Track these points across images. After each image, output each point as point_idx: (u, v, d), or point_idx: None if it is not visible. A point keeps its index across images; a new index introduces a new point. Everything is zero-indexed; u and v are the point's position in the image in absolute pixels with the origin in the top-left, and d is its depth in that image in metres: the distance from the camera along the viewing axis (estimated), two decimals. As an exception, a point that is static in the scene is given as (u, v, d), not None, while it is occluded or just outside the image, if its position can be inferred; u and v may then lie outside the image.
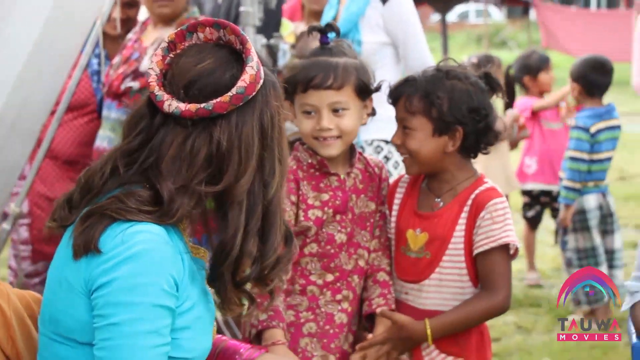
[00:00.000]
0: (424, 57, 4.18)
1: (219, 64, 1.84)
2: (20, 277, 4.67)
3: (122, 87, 3.88)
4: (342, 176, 2.64)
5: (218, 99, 1.78)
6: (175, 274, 1.76)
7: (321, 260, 2.62)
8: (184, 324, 1.81)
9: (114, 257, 1.72)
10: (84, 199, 1.82)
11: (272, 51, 3.99)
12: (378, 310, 2.63)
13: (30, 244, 4.33)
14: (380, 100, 4.21)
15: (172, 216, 1.77)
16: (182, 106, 1.79)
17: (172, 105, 1.80)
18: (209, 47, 1.88)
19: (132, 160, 1.83)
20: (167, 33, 3.84)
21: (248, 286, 1.98)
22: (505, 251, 2.52)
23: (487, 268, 2.52)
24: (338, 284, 2.64)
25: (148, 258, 1.72)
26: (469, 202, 2.55)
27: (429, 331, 2.53)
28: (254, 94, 1.82)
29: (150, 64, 1.88)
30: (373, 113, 2.70)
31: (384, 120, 4.27)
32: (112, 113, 3.92)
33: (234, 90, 1.79)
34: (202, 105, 1.78)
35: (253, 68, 1.82)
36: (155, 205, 1.78)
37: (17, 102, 3.01)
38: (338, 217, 2.61)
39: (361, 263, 2.68)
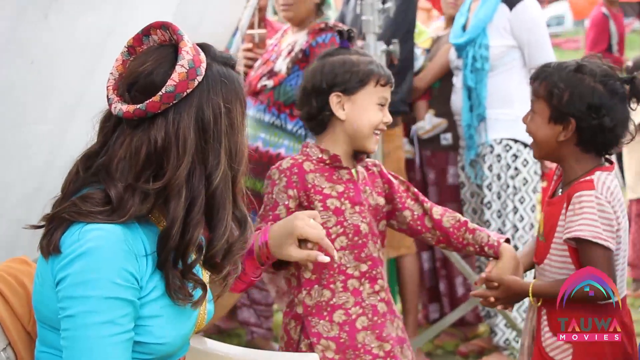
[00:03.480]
0: (548, 59, 4.33)
1: (158, 64, 1.87)
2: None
3: (259, 85, 4.17)
4: (352, 170, 2.76)
5: (151, 99, 1.82)
6: (132, 267, 1.82)
7: (352, 252, 2.72)
8: (152, 312, 1.87)
9: (69, 254, 1.80)
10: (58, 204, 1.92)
11: (392, 56, 4.23)
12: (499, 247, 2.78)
13: None
14: (509, 101, 4.46)
15: (123, 215, 1.83)
16: (124, 108, 1.84)
17: (117, 107, 1.85)
18: (154, 48, 1.91)
19: (91, 162, 1.91)
20: (300, 37, 4.28)
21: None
22: (596, 246, 2.55)
23: (582, 258, 2.60)
24: (374, 272, 2.76)
25: (98, 254, 1.78)
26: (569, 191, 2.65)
27: (530, 294, 2.67)
28: (189, 90, 1.84)
29: (112, 68, 1.93)
30: None
31: (512, 120, 4.50)
32: (250, 111, 4.21)
33: (163, 90, 1.81)
34: (138, 106, 1.82)
35: (184, 66, 1.82)
36: (108, 204, 1.84)
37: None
38: (357, 208, 2.72)
39: (379, 254, 2.80)
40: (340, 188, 2.72)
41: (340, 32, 2.85)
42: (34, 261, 2.16)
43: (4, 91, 2.43)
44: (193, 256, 1.94)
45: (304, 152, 2.77)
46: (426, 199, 2.89)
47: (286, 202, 2.68)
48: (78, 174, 1.91)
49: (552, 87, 2.65)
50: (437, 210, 2.86)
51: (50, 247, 1.84)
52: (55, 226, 1.85)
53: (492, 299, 2.75)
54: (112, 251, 1.80)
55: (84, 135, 1.98)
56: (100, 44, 2.69)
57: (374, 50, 4.07)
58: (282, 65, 4.11)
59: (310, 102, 2.73)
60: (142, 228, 1.90)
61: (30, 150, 2.67)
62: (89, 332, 1.77)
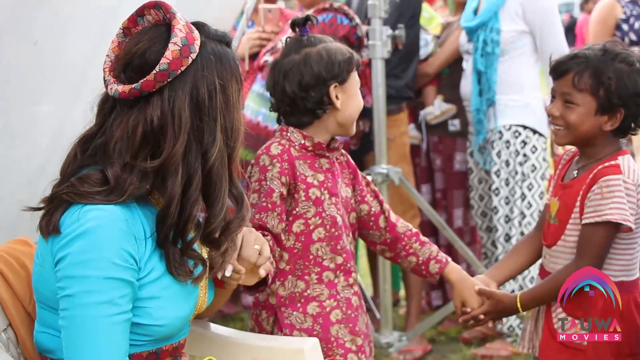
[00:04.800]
0: (560, 45, 4.32)
1: (152, 43, 1.87)
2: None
3: (262, 61, 4.20)
4: (332, 158, 2.71)
5: (145, 78, 1.82)
6: (131, 248, 1.83)
7: (329, 244, 2.65)
8: (151, 294, 1.88)
9: (68, 234, 1.80)
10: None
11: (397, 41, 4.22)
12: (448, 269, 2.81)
13: None
14: (519, 87, 4.43)
15: (122, 194, 1.83)
16: (120, 88, 1.84)
17: (112, 88, 1.85)
18: (148, 28, 1.91)
19: (88, 144, 1.92)
20: (305, 15, 4.28)
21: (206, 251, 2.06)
22: (608, 228, 2.58)
23: (583, 238, 2.61)
24: (348, 265, 2.70)
25: (97, 234, 1.79)
26: (591, 175, 2.64)
27: (519, 304, 2.71)
28: (183, 68, 1.84)
29: (108, 50, 1.94)
30: None
31: (521, 106, 4.48)
32: (255, 86, 4.22)
33: (157, 68, 1.81)
34: (133, 85, 1.82)
35: (176, 44, 1.82)
36: (106, 184, 1.84)
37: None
38: (333, 199, 2.66)
39: (351, 247, 2.75)
40: (321, 177, 2.65)
41: (294, 22, 2.74)
42: (35, 243, 2.15)
43: (6, 72, 2.41)
44: (192, 234, 1.94)
45: (285, 136, 2.67)
46: (384, 200, 2.87)
47: (281, 189, 2.58)
48: (76, 156, 1.92)
49: (600, 79, 2.63)
50: (393, 215, 2.85)
51: (49, 228, 1.85)
52: (54, 207, 1.86)
53: (481, 316, 2.77)
54: (112, 231, 1.81)
55: (87, 116, 1.97)
56: (104, 25, 2.67)
57: (379, 35, 4.04)
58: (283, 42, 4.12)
59: (308, 95, 2.62)
60: (141, 209, 1.91)
61: (33, 131, 2.66)
62: (87, 312, 1.78)
